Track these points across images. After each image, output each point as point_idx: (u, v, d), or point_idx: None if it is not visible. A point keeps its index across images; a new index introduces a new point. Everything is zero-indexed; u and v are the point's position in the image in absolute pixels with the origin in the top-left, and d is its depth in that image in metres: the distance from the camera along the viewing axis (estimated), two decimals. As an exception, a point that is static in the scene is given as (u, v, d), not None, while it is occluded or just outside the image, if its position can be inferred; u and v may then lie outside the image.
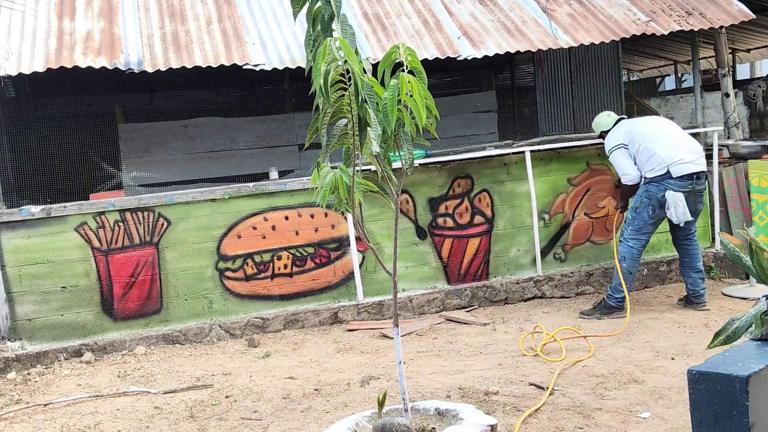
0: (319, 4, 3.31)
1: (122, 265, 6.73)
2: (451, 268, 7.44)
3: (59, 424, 5.06)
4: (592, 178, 7.72)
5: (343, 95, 3.31)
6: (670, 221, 6.63)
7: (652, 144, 6.60)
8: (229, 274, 6.96)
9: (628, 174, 6.76)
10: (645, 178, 6.64)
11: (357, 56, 3.24)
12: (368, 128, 3.33)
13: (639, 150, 6.65)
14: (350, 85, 3.24)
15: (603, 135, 7.13)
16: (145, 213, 6.78)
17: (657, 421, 4.30)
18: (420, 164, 7.11)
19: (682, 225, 6.61)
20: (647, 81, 21.53)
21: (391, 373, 5.49)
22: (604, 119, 7.14)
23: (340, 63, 3.19)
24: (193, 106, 10.17)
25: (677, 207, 6.48)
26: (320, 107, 3.30)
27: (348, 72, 3.21)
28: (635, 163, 6.72)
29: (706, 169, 6.68)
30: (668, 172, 6.49)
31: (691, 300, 6.77)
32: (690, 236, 6.84)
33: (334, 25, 3.30)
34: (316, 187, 3.58)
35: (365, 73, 3.29)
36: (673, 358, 5.39)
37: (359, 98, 3.20)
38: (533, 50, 7.42)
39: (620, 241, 6.78)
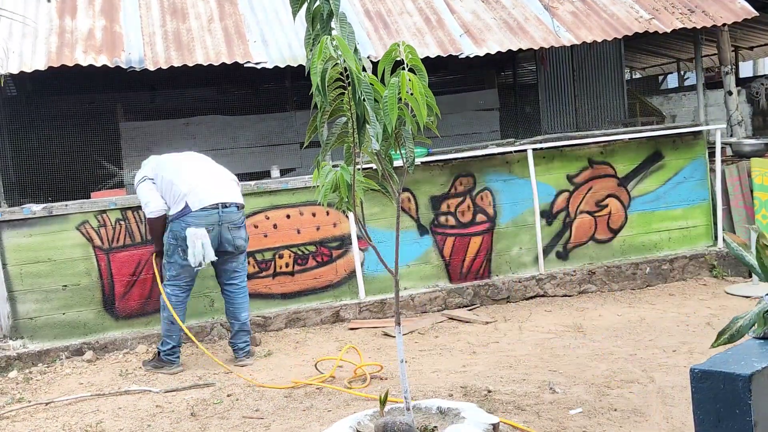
0: (318, 2, 3.30)
1: (124, 264, 6.72)
2: (453, 266, 7.43)
3: (61, 422, 5.06)
4: (594, 177, 7.71)
5: (343, 93, 3.30)
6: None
7: (172, 175, 5.96)
8: (230, 272, 6.94)
9: (149, 203, 5.99)
10: (169, 217, 5.98)
11: (356, 54, 3.22)
12: (367, 126, 3.31)
13: (162, 184, 5.99)
14: (349, 83, 3.23)
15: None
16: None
17: (660, 420, 4.29)
18: (421, 162, 7.11)
19: (201, 266, 5.88)
20: (650, 79, 21.51)
21: (393, 371, 5.48)
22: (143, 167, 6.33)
23: (338, 61, 3.18)
24: (195, 105, 10.16)
25: (194, 245, 5.78)
26: (318, 106, 3.29)
27: (346, 70, 3.20)
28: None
29: (240, 201, 6.05)
30: (186, 205, 5.83)
31: (234, 353, 6.13)
32: (234, 279, 6.14)
33: (333, 24, 3.28)
34: (318, 186, 3.57)
35: (364, 71, 3.28)
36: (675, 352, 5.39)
37: (357, 96, 3.19)
38: (535, 48, 7.40)
39: (164, 285, 6.07)
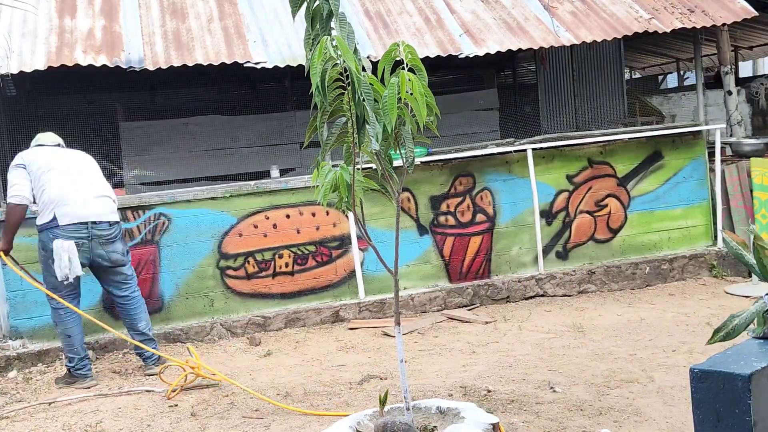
0: (317, 2, 3.30)
1: (123, 264, 6.71)
2: (452, 266, 7.43)
3: (61, 422, 5.06)
4: (594, 176, 7.71)
5: (342, 93, 3.30)
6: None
7: (46, 178, 5.67)
8: (230, 272, 6.96)
9: (14, 187, 5.65)
10: (37, 225, 5.74)
11: (356, 54, 3.22)
12: (367, 126, 3.31)
13: (34, 180, 5.69)
14: (348, 83, 3.23)
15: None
16: (147, 211, 6.78)
17: (660, 420, 4.29)
18: (421, 162, 7.11)
19: (68, 279, 5.60)
20: (649, 79, 21.52)
21: (393, 371, 5.48)
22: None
23: (338, 61, 3.18)
24: (195, 104, 10.16)
25: (61, 258, 5.52)
26: (318, 106, 3.29)
27: (346, 70, 3.20)
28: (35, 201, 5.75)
29: (112, 219, 5.84)
30: (55, 218, 5.61)
31: (144, 363, 6.00)
32: (123, 290, 5.91)
33: (332, 23, 3.28)
34: (318, 186, 3.57)
35: (364, 71, 3.28)
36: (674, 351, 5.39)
37: (357, 96, 3.19)
38: (535, 48, 7.40)
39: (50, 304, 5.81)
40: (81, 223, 5.66)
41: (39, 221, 5.72)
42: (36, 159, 5.81)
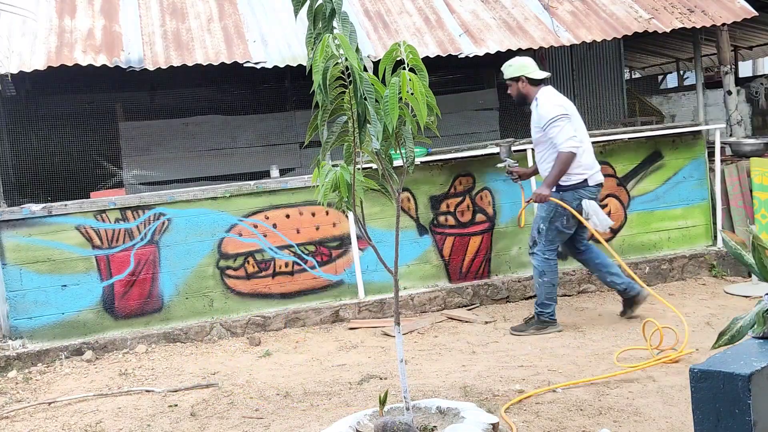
0: (320, 1, 3.30)
1: (123, 264, 6.73)
2: (452, 266, 7.43)
3: (60, 422, 5.06)
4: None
5: (343, 92, 3.30)
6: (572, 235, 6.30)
7: (585, 141, 6.18)
8: (230, 272, 6.96)
9: (574, 139, 5.99)
10: (559, 184, 6.12)
11: (357, 53, 3.23)
12: (368, 125, 3.32)
13: (580, 137, 6.15)
14: (350, 82, 3.23)
15: (514, 84, 6.37)
16: (146, 211, 6.78)
17: (659, 420, 4.29)
18: (421, 162, 7.11)
19: (606, 231, 6.31)
20: (649, 78, 21.53)
21: (393, 371, 5.48)
22: (530, 63, 6.37)
23: (339, 60, 3.18)
24: (194, 104, 10.16)
25: (598, 214, 6.13)
26: (320, 104, 3.29)
27: (348, 69, 3.20)
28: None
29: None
30: (586, 180, 6.15)
31: (626, 297, 6.41)
32: (587, 243, 6.47)
33: (334, 23, 3.29)
34: (318, 186, 3.57)
35: (365, 70, 3.28)
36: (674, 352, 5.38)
37: (359, 95, 3.19)
38: (535, 48, 7.41)
39: (532, 254, 6.34)
40: (600, 185, 6.28)
41: (565, 182, 6.12)
42: (569, 110, 6.19)
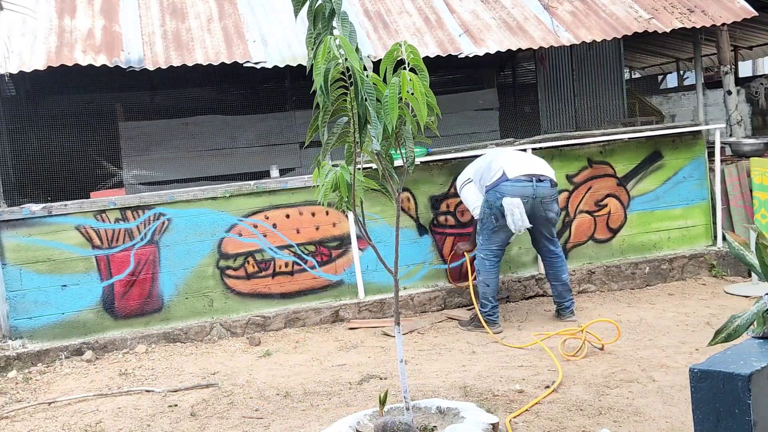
0: (319, 1, 3.30)
1: (123, 264, 6.73)
2: (452, 266, 7.42)
3: (60, 422, 5.06)
4: (594, 176, 7.71)
5: (344, 93, 3.30)
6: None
7: (490, 159, 6.55)
8: (230, 272, 6.96)
9: (476, 209, 6.62)
10: (485, 188, 6.44)
11: (357, 54, 3.23)
12: (368, 126, 3.32)
13: (483, 171, 6.53)
14: (351, 83, 3.23)
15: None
16: (146, 211, 6.78)
17: (659, 420, 4.29)
18: (421, 162, 7.11)
19: (519, 233, 6.37)
20: (649, 78, 21.52)
21: (393, 371, 5.48)
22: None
23: (340, 61, 3.18)
24: (194, 104, 10.16)
25: (513, 214, 6.19)
26: (320, 105, 3.29)
27: (348, 70, 3.20)
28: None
29: (551, 177, 6.40)
30: (504, 174, 6.27)
31: (558, 309, 6.68)
32: (550, 245, 6.57)
33: (334, 23, 3.29)
34: (318, 186, 3.57)
35: (365, 70, 3.28)
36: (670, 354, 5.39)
37: (359, 96, 3.19)
38: (535, 48, 7.40)
39: (476, 253, 6.60)
40: (526, 179, 6.26)
41: (488, 184, 6.39)
42: (475, 168, 6.73)
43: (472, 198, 6.68)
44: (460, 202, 7.39)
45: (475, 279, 6.67)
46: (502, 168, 6.32)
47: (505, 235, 6.41)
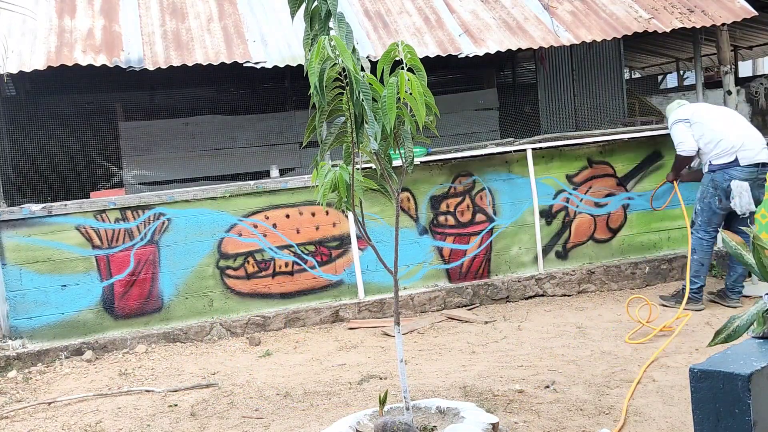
0: (316, 2, 3.30)
1: (123, 264, 6.73)
2: (452, 266, 7.43)
3: (60, 422, 5.06)
4: (594, 176, 7.71)
5: (341, 93, 3.30)
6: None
7: (720, 129, 6.51)
8: (230, 272, 6.96)
9: (685, 143, 6.62)
10: (710, 164, 6.54)
11: (354, 54, 3.23)
12: (366, 126, 3.32)
13: (705, 132, 6.55)
14: (347, 83, 3.23)
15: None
16: (146, 211, 6.78)
17: (659, 420, 4.29)
18: (421, 162, 7.11)
19: (746, 215, 6.49)
20: (649, 78, 21.51)
21: (393, 371, 5.48)
22: (672, 107, 7.06)
23: (336, 61, 3.18)
24: (194, 104, 10.17)
25: (742, 197, 6.37)
26: (317, 106, 3.29)
27: (345, 70, 3.20)
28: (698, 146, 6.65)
29: None
30: (736, 159, 6.41)
31: (727, 294, 6.72)
32: (743, 225, 6.59)
33: (331, 24, 3.29)
34: (317, 186, 3.57)
35: (363, 71, 3.28)
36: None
37: (355, 96, 3.19)
38: (535, 48, 7.40)
39: (692, 232, 6.71)
40: (755, 165, 6.42)
41: (715, 161, 6.49)
42: (694, 113, 6.69)
43: (685, 137, 6.63)
44: (460, 202, 7.40)
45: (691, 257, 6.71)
46: (734, 151, 6.39)
47: (723, 215, 6.54)
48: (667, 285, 7.55)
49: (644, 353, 5.50)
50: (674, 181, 7.16)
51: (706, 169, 6.61)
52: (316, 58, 3.09)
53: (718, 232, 6.65)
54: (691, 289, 6.58)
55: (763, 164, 6.46)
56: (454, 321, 6.87)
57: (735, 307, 6.57)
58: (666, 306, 6.68)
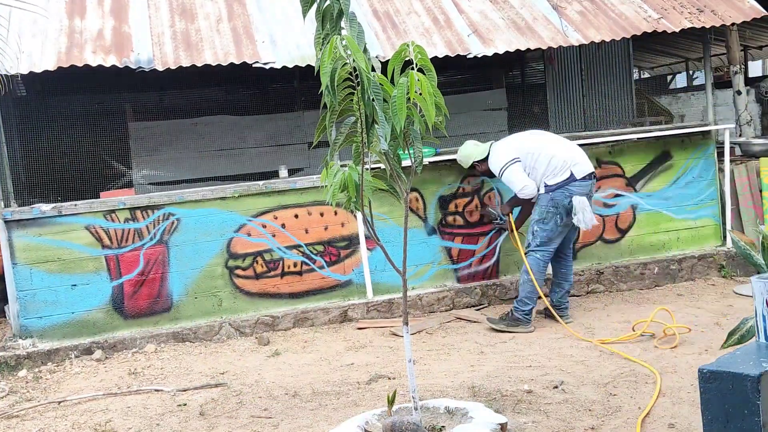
0: (328, 2, 3.31)
1: (132, 263, 6.75)
2: (461, 266, 7.42)
3: (70, 421, 5.08)
4: (603, 176, 7.68)
5: (352, 93, 3.31)
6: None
7: (549, 149, 6.42)
8: (239, 272, 6.98)
9: (528, 186, 6.40)
10: (546, 185, 6.35)
11: (365, 54, 3.23)
12: (376, 126, 3.32)
13: (536, 159, 6.39)
14: (358, 83, 3.24)
15: (477, 165, 6.88)
16: (156, 211, 6.80)
17: (668, 420, 4.28)
18: (429, 162, 7.11)
19: (589, 229, 6.52)
20: (658, 78, 21.45)
21: (401, 371, 5.48)
22: (473, 149, 6.87)
23: (347, 61, 3.18)
24: (203, 105, 10.19)
25: (585, 212, 6.27)
26: (328, 106, 3.30)
27: (355, 70, 3.20)
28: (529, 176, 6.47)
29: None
30: (572, 174, 6.29)
31: (554, 309, 6.58)
32: (570, 246, 6.71)
33: (342, 23, 3.30)
34: (326, 186, 3.58)
35: (373, 71, 3.29)
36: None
37: (366, 96, 3.20)
38: (543, 48, 7.39)
39: (527, 253, 6.48)
40: (588, 176, 6.37)
41: (551, 181, 6.34)
42: (517, 148, 6.52)
43: (521, 178, 6.43)
44: (469, 202, 7.40)
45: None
46: (568, 167, 6.31)
47: (563, 234, 6.45)
48: (676, 285, 7.53)
49: (653, 354, 5.49)
50: (509, 214, 7.02)
51: (542, 190, 6.39)
52: (328, 57, 3.10)
53: (553, 252, 6.48)
54: (523, 310, 6.38)
55: (592, 175, 6.41)
56: (462, 321, 6.87)
57: (568, 323, 6.46)
58: (495, 330, 6.40)
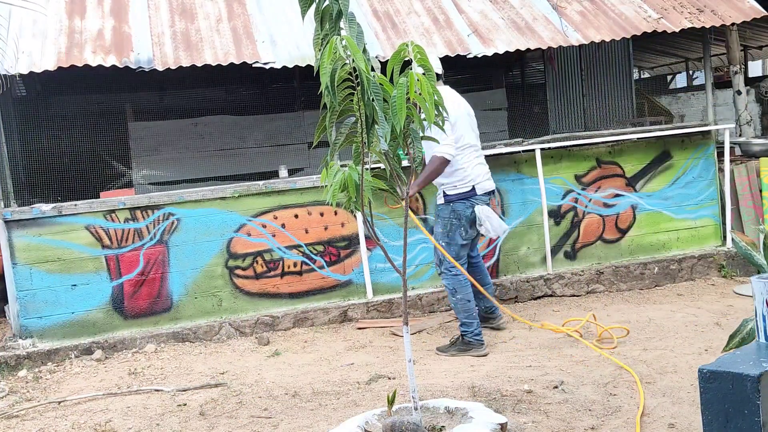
0: (326, 2, 3.31)
1: (132, 263, 6.75)
2: (460, 266, 7.42)
3: (70, 421, 5.08)
4: (602, 176, 7.69)
5: (352, 93, 3.31)
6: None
7: (461, 153, 5.89)
8: (239, 272, 6.98)
9: (450, 146, 5.71)
10: (446, 195, 5.94)
11: (365, 54, 3.23)
12: (376, 126, 3.32)
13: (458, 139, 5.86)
14: (358, 83, 3.24)
15: None
16: (156, 211, 6.80)
17: (668, 420, 4.28)
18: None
19: (502, 235, 6.32)
20: (658, 78, 21.45)
21: (401, 371, 5.48)
22: None
23: (347, 61, 3.19)
24: (203, 105, 10.20)
25: (491, 219, 5.89)
26: (328, 106, 3.30)
27: (355, 70, 3.21)
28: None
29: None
30: (474, 189, 5.91)
31: (487, 318, 6.38)
32: (476, 251, 6.37)
33: (342, 24, 3.30)
34: (326, 186, 3.58)
35: (373, 71, 3.29)
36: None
37: (366, 96, 3.20)
38: (543, 48, 7.39)
39: (441, 273, 6.07)
40: (489, 193, 6.08)
41: (451, 192, 5.92)
42: (459, 111, 5.97)
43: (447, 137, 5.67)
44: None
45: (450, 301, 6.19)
46: (472, 183, 5.91)
47: (468, 245, 6.07)
48: (676, 285, 7.53)
49: (652, 354, 5.49)
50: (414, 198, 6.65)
51: (441, 200, 6.00)
52: (327, 58, 3.10)
53: (466, 262, 6.10)
54: (471, 332, 5.92)
55: (492, 192, 6.14)
56: (462, 321, 6.86)
57: (501, 329, 6.39)
58: (442, 355, 5.97)
